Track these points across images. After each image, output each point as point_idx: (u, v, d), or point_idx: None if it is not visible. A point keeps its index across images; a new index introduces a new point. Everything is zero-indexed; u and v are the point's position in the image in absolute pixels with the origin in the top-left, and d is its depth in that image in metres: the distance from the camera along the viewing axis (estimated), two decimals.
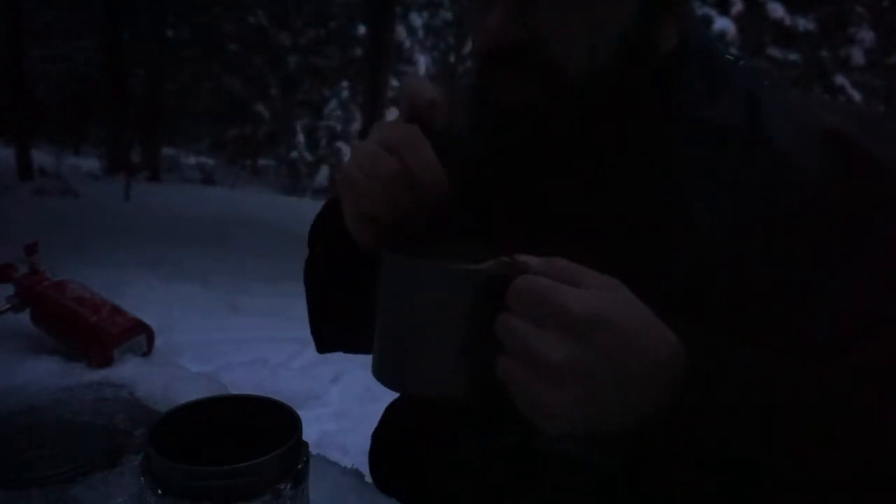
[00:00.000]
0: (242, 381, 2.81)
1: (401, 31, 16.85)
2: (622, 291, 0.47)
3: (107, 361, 0.93)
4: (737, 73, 0.63)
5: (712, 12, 8.01)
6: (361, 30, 15.59)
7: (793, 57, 9.49)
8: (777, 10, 8.69)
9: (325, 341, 0.81)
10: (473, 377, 0.50)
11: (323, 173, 16.89)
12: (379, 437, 0.84)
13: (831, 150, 0.56)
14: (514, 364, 0.46)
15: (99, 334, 0.94)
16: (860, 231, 0.55)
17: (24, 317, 1.00)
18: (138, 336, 0.99)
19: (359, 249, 0.62)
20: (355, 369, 3.12)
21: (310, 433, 0.52)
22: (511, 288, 0.46)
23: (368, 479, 0.72)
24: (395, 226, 0.57)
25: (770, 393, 0.48)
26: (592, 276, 0.47)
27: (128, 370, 0.93)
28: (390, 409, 0.84)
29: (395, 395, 0.77)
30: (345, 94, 17.80)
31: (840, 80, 9.47)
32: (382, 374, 0.53)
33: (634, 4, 0.57)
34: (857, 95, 9.56)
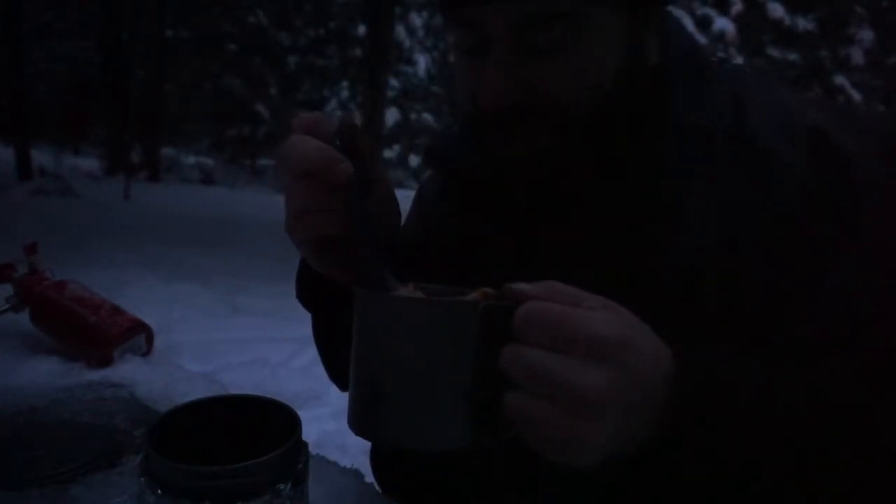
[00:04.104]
0: (242, 381, 2.80)
1: (401, 31, 16.85)
2: (624, 310, 0.45)
3: (106, 361, 0.94)
4: (722, 75, 0.63)
5: (712, 12, 8.02)
6: (361, 30, 15.59)
7: (792, 57, 9.49)
8: (777, 11, 8.69)
9: (342, 382, 0.82)
10: (481, 422, 0.45)
11: None
12: None
13: (813, 147, 0.57)
14: (532, 401, 0.42)
15: (98, 334, 0.95)
16: (843, 229, 0.55)
17: (24, 317, 1.00)
18: (138, 336, 0.99)
19: (336, 289, 0.62)
20: None
21: (309, 433, 0.51)
22: (519, 316, 0.42)
23: (368, 479, 0.72)
24: (344, 242, 0.56)
25: (761, 399, 0.48)
26: (592, 298, 0.45)
27: (127, 370, 0.93)
28: None
29: None
30: (345, 94, 17.80)
31: (839, 79, 9.47)
32: (365, 427, 0.47)
33: (624, 33, 0.57)
34: (856, 95, 9.57)
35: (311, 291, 0.72)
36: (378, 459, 0.83)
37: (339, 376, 0.81)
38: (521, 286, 0.44)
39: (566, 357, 0.41)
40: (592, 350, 0.41)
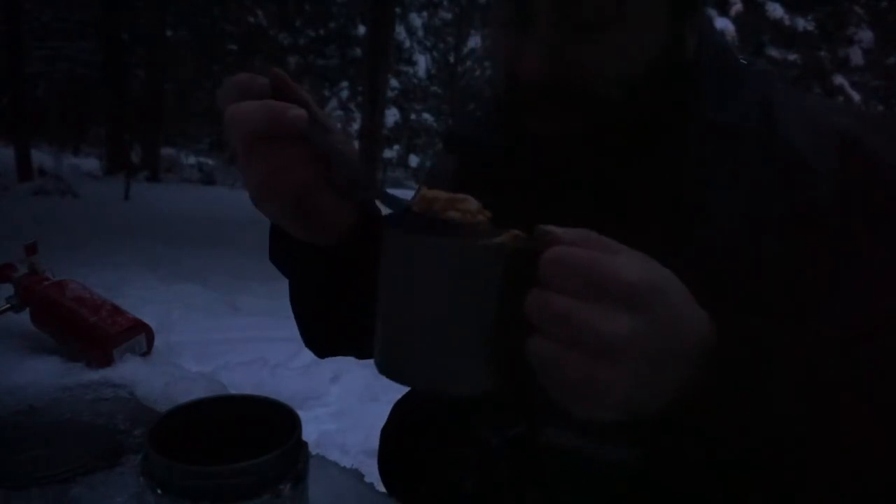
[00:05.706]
0: (242, 381, 2.81)
1: (401, 31, 16.86)
2: (663, 267, 0.44)
3: (107, 361, 0.94)
4: (750, 78, 0.63)
5: (712, 12, 8.02)
6: (361, 30, 15.59)
7: (792, 57, 9.49)
8: (776, 11, 8.69)
9: (318, 347, 0.80)
10: (503, 365, 0.44)
11: None
12: (388, 435, 0.84)
13: (844, 152, 0.57)
14: (553, 345, 0.41)
15: (99, 334, 0.95)
16: (869, 231, 0.55)
17: (24, 317, 1.00)
18: (138, 336, 0.99)
19: (307, 247, 0.62)
20: (355, 369, 3.11)
21: (309, 433, 0.51)
22: (546, 259, 0.41)
23: (368, 478, 0.72)
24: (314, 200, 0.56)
25: (797, 371, 0.47)
26: (629, 250, 0.43)
27: (127, 370, 0.93)
28: (398, 406, 0.84)
29: (402, 392, 0.77)
30: (345, 93, 17.80)
31: (839, 80, 9.47)
32: (390, 368, 0.47)
33: (665, 21, 0.57)
34: (855, 96, 9.56)
35: (285, 252, 0.70)
36: (384, 460, 0.83)
37: (314, 342, 0.79)
38: (554, 229, 0.43)
39: (589, 302, 0.40)
40: (619, 296, 0.40)
